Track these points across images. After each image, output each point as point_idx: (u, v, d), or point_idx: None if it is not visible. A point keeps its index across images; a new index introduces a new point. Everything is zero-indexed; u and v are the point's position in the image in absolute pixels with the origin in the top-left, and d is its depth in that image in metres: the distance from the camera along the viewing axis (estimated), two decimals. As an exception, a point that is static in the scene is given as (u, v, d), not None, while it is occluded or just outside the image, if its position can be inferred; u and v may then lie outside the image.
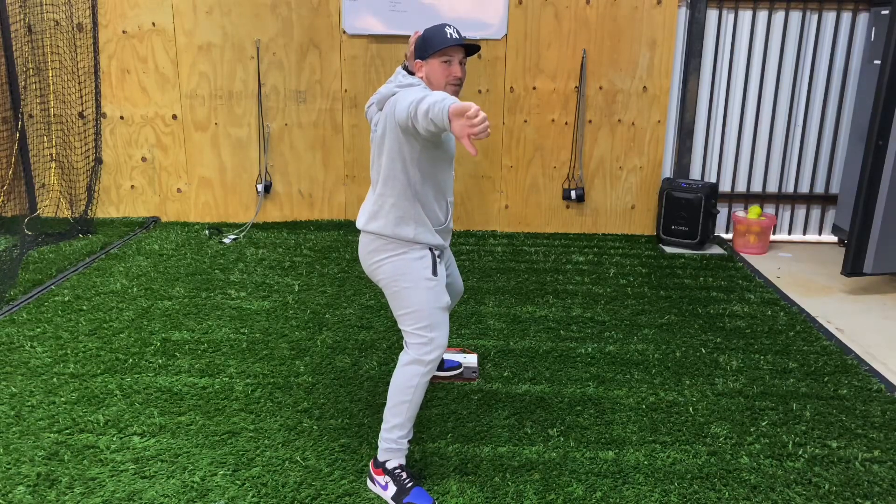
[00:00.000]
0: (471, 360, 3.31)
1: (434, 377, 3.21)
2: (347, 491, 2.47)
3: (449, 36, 2.37)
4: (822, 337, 3.77)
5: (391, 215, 2.40)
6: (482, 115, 1.89)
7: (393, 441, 2.46)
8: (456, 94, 2.40)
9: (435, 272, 2.44)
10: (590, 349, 3.57)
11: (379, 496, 2.45)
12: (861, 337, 3.86)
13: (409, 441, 2.49)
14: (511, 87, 5.37)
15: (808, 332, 3.82)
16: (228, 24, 5.28)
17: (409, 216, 2.40)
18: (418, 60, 2.42)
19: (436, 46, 2.36)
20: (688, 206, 5.20)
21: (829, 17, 5.31)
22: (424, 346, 2.42)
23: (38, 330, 3.67)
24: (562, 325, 3.85)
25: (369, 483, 2.50)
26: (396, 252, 2.42)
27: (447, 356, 3.32)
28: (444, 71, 2.38)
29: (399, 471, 2.45)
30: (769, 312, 4.09)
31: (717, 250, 5.28)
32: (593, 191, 5.57)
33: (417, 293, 2.41)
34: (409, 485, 2.41)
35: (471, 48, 2.42)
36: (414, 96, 2.19)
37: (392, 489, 2.43)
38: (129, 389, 3.10)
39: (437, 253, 2.49)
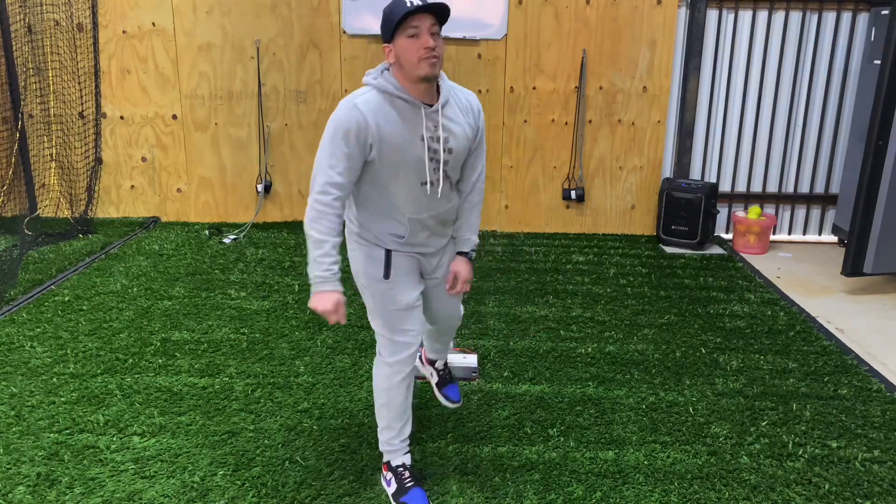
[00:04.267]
0: (471, 360, 3.31)
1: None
2: (347, 491, 2.47)
3: (409, 3, 2.03)
4: (822, 337, 3.77)
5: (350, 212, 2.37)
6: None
7: (385, 442, 2.47)
8: (434, 68, 2.08)
9: (387, 274, 2.29)
10: (590, 349, 3.57)
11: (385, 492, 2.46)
12: (861, 337, 3.86)
13: (403, 441, 2.47)
14: (511, 87, 5.37)
15: (808, 332, 3.82)
16: (228, 24, 5.28)
17: (370, 227, 2.33)
18: (386, 45, 2.13)
19: (395, 19, 2.04)
20: (688, 206, 5.20)
21: (829, 17, 5.31)
22: (386, 347, 2.36)
23: (38, 330, 3.67)
24: (562, 325, 3.85)
25: (381, 478, 2.53)
26: (353, 246, 2.35)
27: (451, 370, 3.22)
28: (413, 46, 2.05)
29: (402, 469, 2.44)
30: (769, 312, 4.09)
31: (717, 250, 5.28)
32: (593, 191, 5.57)
33: (374, 292, 2.32)
34: (409, 484, 2.41)
35: (441, 13, 2.07)
36: (323, 156, 2.11)
37: (393, 486, 2.43)
38: (129, 389, 3.10)
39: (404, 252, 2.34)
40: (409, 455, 2.50)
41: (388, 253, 2.30)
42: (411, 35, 2.05)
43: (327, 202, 2.11)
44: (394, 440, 2.44)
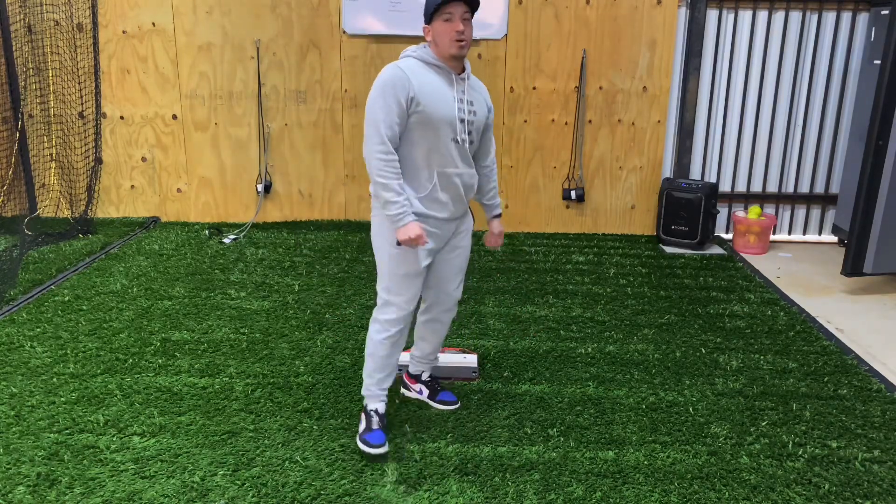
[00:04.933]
0: (471, 360, 3.31)
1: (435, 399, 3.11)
2: (347, 491, 2.47)
3: None
4: (822, 337, 3.77)
5: None
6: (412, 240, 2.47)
7: (366, 388, 2.80)
8: (462, 49, 2.50)
9: (399, 243, 2.55)
10: (590, 349, 3.57)
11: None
12: (861, 337, 3.86)
13: (382, 390, 2.80)
14: (511, 87, 5.37)
15: (808, 332, 3.82)
16: (228, 24, 5.28)
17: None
18: (425, 26, 2.56)
19: (434, 6, 2.47)
20: (688, 206, 5.20)
21: (829, 17, 5.31)
22: (382, 307, 2.70)
23: (38, 330, 3.67)
24: (562, 325, 3.85)
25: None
26: (378, 213, 2.63)
27: (447, 378, 3.23)
28: (447, 29, 2.48)
29: (373, 413, 2.77)
30: (769, 312, 4.09)
31: (717, 250, 5.28)
32: (593, 191, 5.57)
33: (383, 255, 2.64)
34: (375, 427, 2.72)
35: (472, 3, 2.50)
36: (375, 111, 2.45)
37: (363, 426, 2.76)
38: (129, 389, 3.10)
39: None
40: (384, 404, 2.81)
41: None
42: (446, 20, 2.48)
43: (387, 150, 2.46)
44: (372, 387, 2.78)
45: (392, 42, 5.28)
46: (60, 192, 5.48)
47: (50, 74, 5.30)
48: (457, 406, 3.00)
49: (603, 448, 2.74)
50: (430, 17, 2.52)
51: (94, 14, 5.24)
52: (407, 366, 3.12)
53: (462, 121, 2.55)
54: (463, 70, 2.59)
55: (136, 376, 3.22)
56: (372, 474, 2.56)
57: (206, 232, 5.40)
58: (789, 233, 5.76)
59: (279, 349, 3.52)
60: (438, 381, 3.10)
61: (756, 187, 5.66)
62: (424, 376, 3.07)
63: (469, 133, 2.59)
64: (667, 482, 2.55)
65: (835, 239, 5.65)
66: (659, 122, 5.41)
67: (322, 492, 2.46)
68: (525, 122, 5.44)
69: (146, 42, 5.32)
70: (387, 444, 2.69)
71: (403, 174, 2.56)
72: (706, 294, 4.35)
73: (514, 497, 2.45)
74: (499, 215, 2.95)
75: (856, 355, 3.58)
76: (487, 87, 5.35)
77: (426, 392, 3.04)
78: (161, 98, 5.43)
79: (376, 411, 2.77)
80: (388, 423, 2.85)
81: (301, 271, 4.61)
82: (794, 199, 5.65)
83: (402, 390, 3.12)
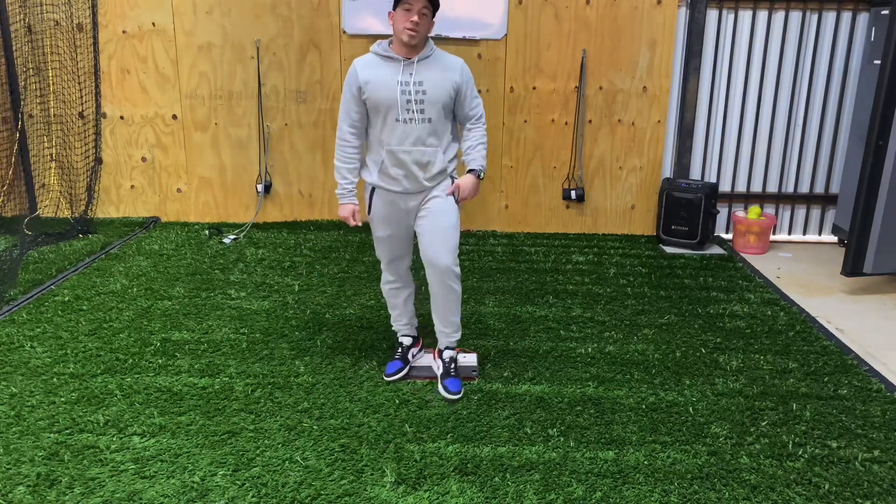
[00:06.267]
0: (471, 359, 3.32)
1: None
2: (347, 491, 2.47)
3: None
4: (822, 337, 3.77)
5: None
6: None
7: (392, 320, 3.34)
8: (412, 39, 2.75)
9: (369, 210, 3.02)
10: (590, 349, 3.57)
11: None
12: (861, 337, 3.86)
13: (401, 325, 3.30)
14: (511, 87, 5.37)
15: (808, 332, 3.82)
16: (228, 24, 5.28)
17: (366, 161, 3.01)
18: (391, 11, 2.83)
19: None
20: (688, 206, 5.20)
21: (829, 17, 5.31)
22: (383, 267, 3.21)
23: (38, 330, 3.67)
24: (562, 325, 3.86)
25: None
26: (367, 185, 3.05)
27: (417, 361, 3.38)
28: (404, 17, 2.75)
29: (399, 346, 3.30)
30: (769, 312, 4.09)
31: (717, 250, 5.28)
32: (593, 191, 5.57)
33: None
34: (395, 357, 3.26)
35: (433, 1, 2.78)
36: (342, 103, 2.92)
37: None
38: (129, 389, 3.11)
39: (384, 191, 2.96)
40: (408, 338, 3.31)
41: (372, 192, 2.99)
42: (406, 9, 2.75)
43: (341, 136, 2.94)
44: (394, 322, 3.33)
45: (392, 42, 5.28)
46: (60, 192, 5.48)
47: (50, 74, 5.30)
48: (458, 396, 3.05)
49: (603, 448, 2.74)
50: (395, 4, 2.78)
51: (94, 14, 5.24)
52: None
53: (408, 101, 2.79)
54: (414, 55, 2.82)
55: (136, 376, 3.22)
56: (372, 474, 2.56)
57: (206, 232, 5.40)
58: (789, 233, 5.76)
59: (279, 349, 3.52)
60: (455, 367, 3.18)
61: (756, 187, 5.66)
62: (445, 355, 3.19)
63: (421, 112, 2.82)
64: (667, 482, 2.55)
65: (835, 239, 5.65)
66: (659, 122, 5.41)
67: (322, 492, 2.46)
68: (525, 122, 5.44)
69: (146, 42, 5.32)
70: (400, 372, 3.19)
71: (368, 151, 2.97)
72: (706, 294, 4.35)
73: (514, 497, 2.45)
74: (473, 171, 2.97)
75: (856, 355, 3.58)
76: (487, 87, 5.38)
77: (441, 371, 3.18)
78: (161, 98, 5.43)
79: (401, 344, 3.29)
80: (408, 361, 3.29)
81: (301, 271, 4.61)
82: (794, 199, 5.65)
83: (429, 358, 3.33)
